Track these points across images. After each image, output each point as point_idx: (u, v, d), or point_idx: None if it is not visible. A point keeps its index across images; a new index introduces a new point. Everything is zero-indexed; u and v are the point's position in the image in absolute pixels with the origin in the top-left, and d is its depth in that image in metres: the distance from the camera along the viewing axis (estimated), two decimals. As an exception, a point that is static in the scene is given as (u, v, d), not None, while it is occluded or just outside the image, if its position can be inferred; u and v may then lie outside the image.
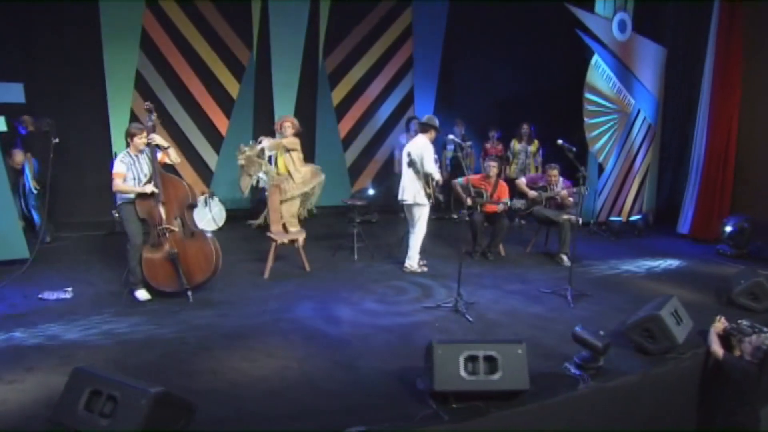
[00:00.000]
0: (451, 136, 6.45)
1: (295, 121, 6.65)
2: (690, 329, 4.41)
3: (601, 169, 8.65)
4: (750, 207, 7.67)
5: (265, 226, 6.23)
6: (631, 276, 6.34)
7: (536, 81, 9.15)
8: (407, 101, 9.61)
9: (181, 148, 7.76)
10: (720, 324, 4.33)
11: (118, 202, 5.06)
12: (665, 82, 8.81)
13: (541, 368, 3.74)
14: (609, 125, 8.56)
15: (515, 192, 7.22)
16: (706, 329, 4.40)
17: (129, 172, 4.91)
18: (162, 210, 4.93)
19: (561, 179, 6.93)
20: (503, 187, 6.92)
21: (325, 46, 8.85)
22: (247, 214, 7.97)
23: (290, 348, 4.15)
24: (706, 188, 8.08)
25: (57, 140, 5.81)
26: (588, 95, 8.35)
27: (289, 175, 6.38)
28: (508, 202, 6.77)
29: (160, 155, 5.02)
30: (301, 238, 5.97)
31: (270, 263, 5.81)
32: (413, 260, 6.08)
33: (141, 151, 4.99)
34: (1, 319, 4.47)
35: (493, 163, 6.87)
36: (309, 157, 7.58)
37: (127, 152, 4.97)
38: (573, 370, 3.78)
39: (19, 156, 6.64)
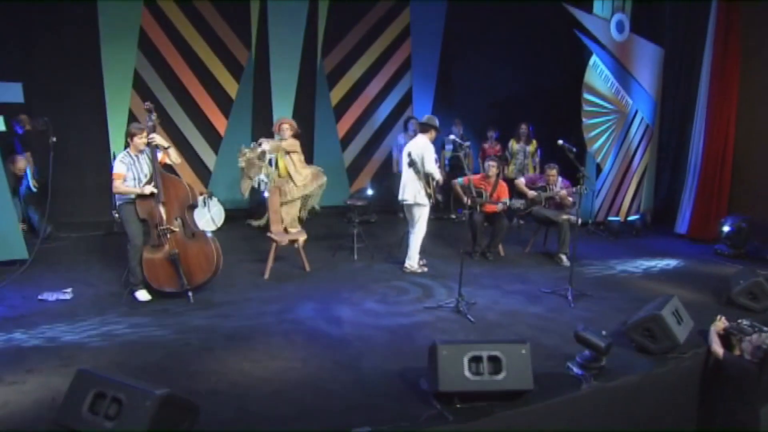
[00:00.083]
0: (451, 136, 6.47)
1: (293, 123, 6.65)
2: (690, 329, 4.44)
3: (599, 169, 8.68)
4: (747, 207, 7.71)
5: (266, 227, 6.23)
6: (630, 276, 6.36)
7: (535, 81, 9.16)
8: (406, 101, 9.60)
9: (180, 148, 7.72)
10: (720, 323, 4.35)
11: (119, 202, 5.04)
12: (663, 83, 8.84)
13: (543, 368, 3.75)
14: (607, 125, 8.58)
15: (514, 192, 7.24)
16: (706, 329, 4.43)
17: (129, 173, 4.89)
18: (162, 210, 4.91)
19: (560, 179, 6.95)
20: (503, 187, 6.93)
21: (323, 46, 8.84)
22: (246, 214, 7.98)
23: (292, 348, 4.15)
24: (703, 188, 8.12)
25: (54, 139, 5.78)
26: (586, 95, 8.38)
27: (290, 177, 6.38)
28: (508, 202, 6.78)
29: (160, 155, 5.00)
30: (301, 238, 5.96)
31: (270, 263, 5.80)
32: (413, 260, 6.08)
33: (141, 151, 4.97)
34: (0, 321, 4.45)
35: (493, 163, 6.88)
36: (307, 157, 7.57)
37: (127, 152, 4.96)
38: (576, 370, 3.79)
39: (21, 162, 6.63)
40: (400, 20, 9.35)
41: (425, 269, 6.12)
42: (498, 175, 6.93)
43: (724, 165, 8.03)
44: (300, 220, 6.68)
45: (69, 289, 5.11)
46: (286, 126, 6.57)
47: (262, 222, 7.44)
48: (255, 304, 5.02)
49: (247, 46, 8.36)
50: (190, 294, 4.96)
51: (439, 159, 8.25)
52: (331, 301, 5.14)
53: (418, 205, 5.93)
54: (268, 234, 5.97)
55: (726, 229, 7.32)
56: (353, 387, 3.61)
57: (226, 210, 7.86)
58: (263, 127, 8.31)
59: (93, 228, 7.32)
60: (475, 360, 3.25)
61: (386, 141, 9.47)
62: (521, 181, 7.19)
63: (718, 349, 4.19)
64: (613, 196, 8.85)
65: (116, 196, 5.10)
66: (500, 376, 3.23)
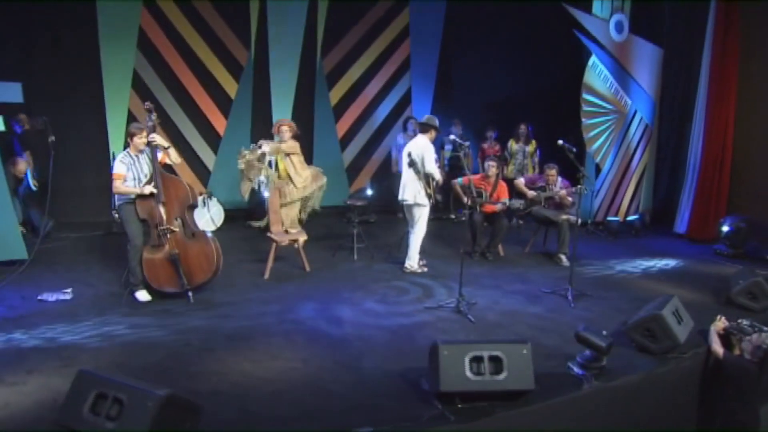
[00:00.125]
0: (452, 136, 6.48)
1: (293, 124, 6.66)
2: (690, 329, 4.45)
3: (598, 169, 8.68)
4: (746, 207, 7.72)
5: (266, 228, 6.23)
6: (630, 276, 6.37)
7: (534, 81, 9.17)
8: (405, 101, 9.60)
9: (179, 147, 7.72)
10: (720, 323, 4.36)
11: (118, 202, 5.04)
12: (662, 83, 8.85)
13: (544, 368, 3.75)
14: (606, 126, 8.59)
15: (514, 192, 7.24)
16: (706, 329, 4.44)
17: (129, 173, 4.89)
18: (162, 210, 4.90)
19: (559, 179, 6.95)
20: (503, 186, 6.94)
21: (323, 45, 8.84)
22: (246, 214, 7.97)
23: (293, 349, 4.15)
24: (702, 188, 8.13)
25: (53, 138, 5.77)
26: (585, 96, 8.38)
27: (290, 179, 6.39)
28: (507, 202, 6.78)
29: (160, 155, 5.00)
30: (301, 238, 5.96)
31: (270, 264, 5.80)
32: (413, 260, 6.08)
33: (141, 151, 4.97)
34: (0, 321, 4.43)
35: (493, 163, 6.88)
36: (307, 157, 7.55)
37: (127, 152, 4.95)
38: (576, 370, 3.80)
39: (21, 165, 6.64)
40: (400, 20, 9.34)
41: (425, 269, 6.12)
42: (498, 175, 6.93)
43: (723, 165, 8.04)
44: (300, 221, 6.69)
45: (69, 290, 5.11)
46: (285, 128, 6.58)
47: (262, 223, 7.45)
48: (255, 305, 5.02)
49: (247, 45, 8.35)
50: (190, 294, 4.95)
51: (439, 159, 8.25)
52: (331, 302, 5.13)
53: (418, 205, 5.92)
54: (268, 234, 5.97)
55: (725, 229, 7.33)
56: (354, 387, 3.61)
57: (225, 210, 7.85)
58: (262, 127, 8.31)
59: (92, 228, 7.31)
60: (477, 360, 3.25)
61: (385, 141, 9.46)
62: (521, 181, 7.20)
63: (718, 348, 4.20)
64: (612, 196, 8.85)
65: (116, 196, 5.10)
66: (501, 376, 3.23)
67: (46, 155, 5.79)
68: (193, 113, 8.20)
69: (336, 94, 9.11)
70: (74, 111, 7.43)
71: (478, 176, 6.95)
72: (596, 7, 8.30)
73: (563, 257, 6.62)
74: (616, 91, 8.58)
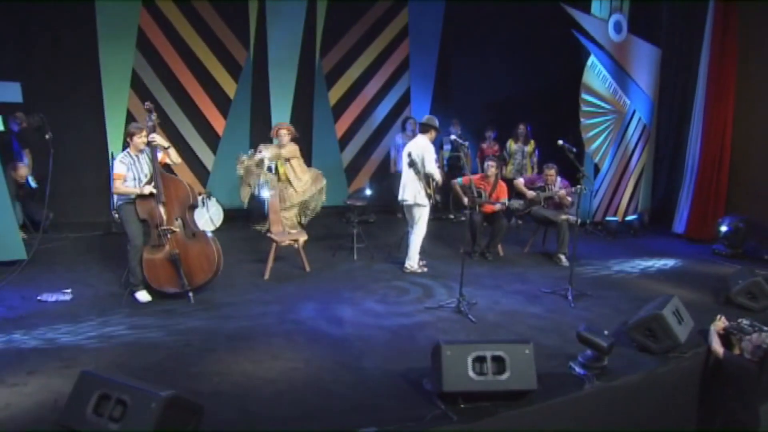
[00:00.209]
0: (452, 136, 6.48)
1: (291, 128, 6.67)
2: (691, 328, 4.46)
3: (597, 169, 8.70)
4: (745, 207, 7.75)
5: (268, 230, 6.24)
6: (629, 276, 6.39)
7: (532, 81, 9.18)
8: (404, 101, 9.60)
9: (178, 147, 7.68)
10: (720, 323, 4.38)
11: (118, 202, 5.02)
12: (660, 83, 8.88)
13: (545, 368, 3.75)
14: (605, 126, 8.61)
15: (513, 192, 7.25)
16: (706, 328, 4.45)
17: (129, 173, 4.88)
18: (162, 210, 4.89)
19: (558, 179, 6.96)
20: (502, 186, 6.94)
21: (322, 45, 8.83)
22: (245, 214, 7.95)
23: (295, 349, 4.15)
24: (701, 188, 8.16)
25: (50, 135, 5.74)
26: (584, 96, 8.40)
27: (290, 183, 6.39)
28: (507, 202, 6.79)
29: (160, 155, 4.99)
30: (301, 238, 5.95)
31: (270, 264, 5.79)
32: (413, 260, 6.08)
33: (141, 151, 4.96)
34: (0, 321, 4.42)
35: (492, 163, 6.89)
36: (306, 157, 7.56)
37: (127, 152, 4.94)
38: (578, 369, 3.80)
39: (22, 170, 6.64)
40: (399, 20, 9.34)
41: (425, 269, 6.13)
42: (497, 175, 6.94)
43: (722, 165, 8.07)
44: (301, 226, 6.70)
45: (68, 290, 5.09)
46: (284, 131, 6.59)
47: (265, 227, 7.45)
48: (256, 305, 5.01)
49: (246, 45, 8.33)
50: (190, 294, 4.95)
51: (438, 159, 8.26)
52: (331, 302, 5.13)
53: (418, 205, 5.92)
54: (268, 234, 5.97)
55: (723, 229, 7.35)
56: (356, 387, 3.61)
57: (224, 210, 7.84)
58: (261, 127, 8.30)
59: (91, 228, 7.29)
60: (479, 360, 3.26)
61: (384, 141, 9.46)
62: (520, 182, 7.20)
63: (718, 348, 4.21)
64: (611, 196, 8.88)
65: (116, 196, 5.08)
66: (504, 376, 3.24)
67: (44, 152, 5.77)
68: (192, 113, 8.18)
69: (335, 94, 9.10)
70: (73, 111, 7.40)
71: (477, 176, 6.95)
72: (595, 8, 8.33)
73: (563, 257, 6.63)
74: (614, 91, 8.60)
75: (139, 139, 4.88)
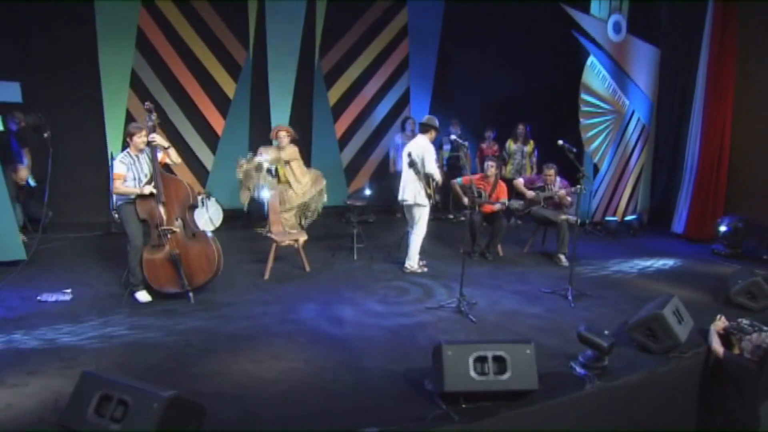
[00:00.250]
0: (452, 136, 6.48)
1: (290, 130, 6.67)
2: (691, 328, 4.47)
3: (596, 169, 8.71)
4: (744, 207, 7.77)
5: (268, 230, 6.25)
6: (629, 275, 6.40)
7: (532, 81, 9.18)
8: (403, 101, 9.60)
9: (177, 147, 7.68)
10: (720, 323, 4.39)
11: (118, 202, 5.01)
12: (659, 83, 8.89)
13: (546, 368, 3.74)
14: (604, 126, 8.62)
15: (513, 192, 7.25)
16: (706, 328, 4.46)
17: (129, 173, 4.87)
18: (162, 210, 4.89)
19: (558, 179, 6.96)
20: (502, 186, 6.94)
21: (321, 45, 8.83)
22: (244, 215, 7.94)
23: (296, 349, 4.15)
24: (700, 188, 8.17)
25: (48, 133, 5.73)
26: (584, 96, 8.41)
27: (290, 186, 6.39)
28: (506, 202, 6.79)
29: (160, 155, 4.98)
30: (301, 238, 5.96)
31: (270, 264, 5.79)
32: (413, 260, 6.09)
33: (141, 151, 4.95)
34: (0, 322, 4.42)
35: (492, 163, 6.89)
36: (305, 157, 7.55)
37: (127, 152, 4.94)
38: (579, 369, 3.81)
39: (23, 172, 6.63)
40: (398, 20, 9.34)
41: (425, 269, 6.13)
42: (497, 175, 6.94)
43: (721, 165, 8.08)
44: (301, 227, 6.70)
45: (68, 290, 5.08)
46: (283, 133, 6.59)
47: (266, 229, 7.45)
48: (256, 305, 5.01)
49: (245, 45, 8.33)
50: (190, 295, 4.94)
51: (438, 159, 8.26)
52: (332, 302, 5.13)
53: (418, 205, 5.93)
54: (268, 234, 5.97)
55: (723, 228, 7.37)
56: (357, 387, 3.61)
57: (224, 210, 7.83)
58: (261, 127, 8.30)
59: (91, 228, 7.28)
60: (480, 360, 3.26)
61: (384, 141, 9.46)
62: (520, 182, 7.21)
63: (718, 348, 4.22)
64: (610, 196, 8.89)
65: (115, 196, 5.08)
66: (505, 376, 3.24)
67: (43, 151, 5.76)
68: (192, 113, 8.17)
69: (334, 94, 9.10)
70: (72, 111, 7.39)
71: (477, 176, 6.96)
72: (594, 8, 8.34)
73: (562, 257, 6.64)
74: (614, 92, 8.61)
75: (139, 139, 4.88)
